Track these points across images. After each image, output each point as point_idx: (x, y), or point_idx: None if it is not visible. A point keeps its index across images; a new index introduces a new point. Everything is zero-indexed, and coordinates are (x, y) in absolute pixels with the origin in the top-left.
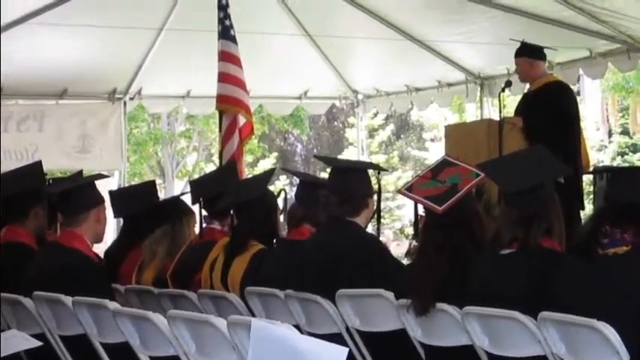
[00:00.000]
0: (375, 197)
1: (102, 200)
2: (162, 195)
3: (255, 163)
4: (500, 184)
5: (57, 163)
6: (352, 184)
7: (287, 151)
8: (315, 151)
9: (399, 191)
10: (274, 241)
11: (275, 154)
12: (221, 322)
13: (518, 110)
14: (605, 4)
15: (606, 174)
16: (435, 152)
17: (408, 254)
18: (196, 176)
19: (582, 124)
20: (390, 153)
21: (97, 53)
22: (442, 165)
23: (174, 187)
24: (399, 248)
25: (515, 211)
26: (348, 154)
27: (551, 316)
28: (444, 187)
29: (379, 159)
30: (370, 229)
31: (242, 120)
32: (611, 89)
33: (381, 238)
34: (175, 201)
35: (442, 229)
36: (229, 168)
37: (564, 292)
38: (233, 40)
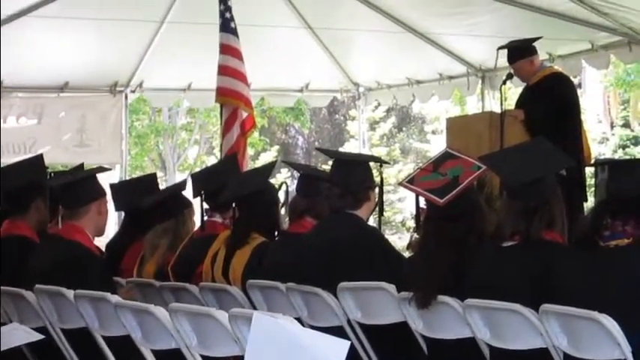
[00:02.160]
0: (377, 190)
1: (103, 193)
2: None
3: (257, 156)
4: (502, 177)
5: (58, 157)
6: (354, 176)
7: (288, 144)
8: (316, 144)
9: (400, 184)
10: (275, 233)
11: (276, 147)
12: (222, 315)
13: (519, 103)
14: None
15: (608, 166)
16: (436, 145)
17: (409, 247)
18: (198, 169)
19: (583, 117)
20: (392, 145)
21: (98, 46)
22: (444, 157)
23: (176, 180)
24: (400, 241)
25: (517, 204)
26: (349, 147)
27: (553, 308)
28: (446, 180)
29: (380, 151)
30: (372, 221)
31: (244, 113)
32: (613, 83)
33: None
34: (177, 195)
35: (444, 221)
36: (231, 161)
37: (566, 285)
38: (234, 32)
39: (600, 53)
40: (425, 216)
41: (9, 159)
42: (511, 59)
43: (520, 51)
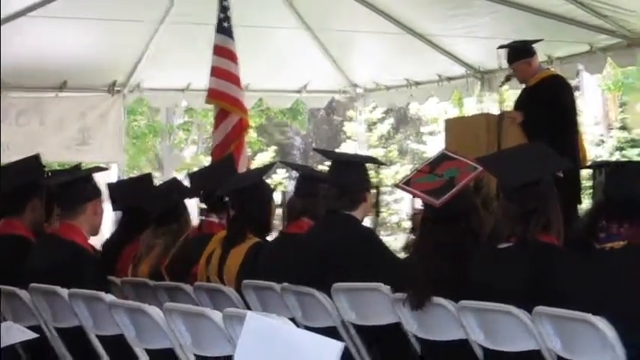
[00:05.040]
0: (374, 191)
1: (99, 193)
2: None
3: (254, 156)
4: (498, 178)
5: (57, 156)
6: (351, 177)
7: (285, 144)
8: (313, 144)
9: (396, 185)
10: (268, 233)
11: (274, 147)
12: (217, 315)
13: (518, 104)
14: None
15: (605, 169)
16: (433, 146)
17: (405, 248)
18: (195, 169)
19: (581, 119)
20: (389, 147)
21: (96, 46)
22: (440, 159)
23: None
24: (396, 242)
25: (513, 206)
26: (347, 148)
27: (546, 310)
28: (442, 181)
29: (378, 152)
30: (368, 222)
31: (234, 116)
32: (611, 87)
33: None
34: (181, 202)
35: (440, 222)
36: (227, 161)
37: (562, 287)
38: (228, 33)
39: (598, 56)
40: (421, 217)
41: (10, 158)
42: (510, 59)
43: (519, 52)
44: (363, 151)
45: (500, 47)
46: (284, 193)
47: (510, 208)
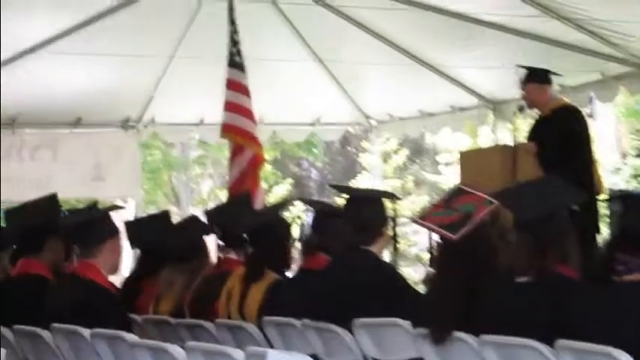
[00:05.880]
0: (390, 225)
1: (117, 231)
2: None
3: (269, 189)
4: (514, 213)
5: (72, 192)
6: (367, 213)
7: (301, 176)
8: (329, 176)
9: (413, 220)
10: (287, 270)
11: (289, 180)
12: (239, 354)
13: (532, 135)
14: (617, 28)
15: (620, 200)
16: (449, 176)
17: (424, 281)
18: (211, 203)
19: (595, 147)
20: (405, 177)
21: (109, 81)
22: (456, 193)
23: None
24: (415, 274)
25: (530, 239)
26: (363, 179)
27: (569, 344)
28: (458, 215)
29: (394, 184)
30: (386, 255)
31: (248, 151)
32: (625, 114)
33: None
34: (200, 239)
35: (457, 256)
36: (244, 198)
37: (581, 320)
38: (240, 67)
39: (610, 84)
40: (438, 252)
41: (26, 195)
42: (526, 80)
43: (535, 74)
44: (379, 183)
45: (519, 66)
46: (302, 226)
47: (527, 242)
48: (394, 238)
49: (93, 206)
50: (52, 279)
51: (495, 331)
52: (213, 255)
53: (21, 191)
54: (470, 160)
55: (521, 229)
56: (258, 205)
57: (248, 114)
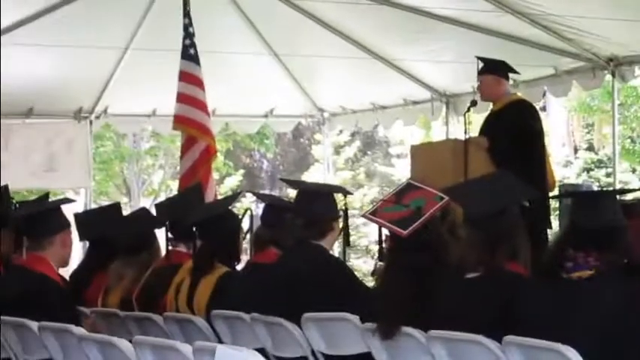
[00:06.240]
0: (341, 219)
1: (67, 224)
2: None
3: (221, 180)
4: (465, 209)
5: (23, 182)
6: (318, 207)
7: (253, 167)
8: (281, 168)
9: (363, 215)
10: (236, 263)
11: (241, 171)
12: (187, 348)
13: (483, 129)
14: (571, 23)
15: (571, 197)
16: (401, 168)
17: (373, 274)
18: (163, 194)
19: (547, 140)
20: (357, 169)
21: (62, 72)
22: (406, 189)
23: (140, 205)
24: (365, 266)
25: (480, 235)
26: (315, 171)
27: (516, 340)
28: (408, 211)
29: (345, 175)
30: (337, 247)
31: (202, 142)
32: (577, 109)
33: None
34: (150, 232)
35: (407, 252)
36: (195, 190)
37: (529, 317)
38: (194, 59)
39: (563, 79)
40: (388, 247)
41: None
42: (482, 70)
43: (493, 65)
44: (331, 174)
45: (478, 58)
46: (252, 217)
47: (477, 238)
48: (345, 231)
49: (44, 198)
50: (0, 271)
51: (445, 326)
52: (163, 247)
53: None
54: (421, 153)
55: (471, 225)
56: (209, 197)
57: (201, 106)
